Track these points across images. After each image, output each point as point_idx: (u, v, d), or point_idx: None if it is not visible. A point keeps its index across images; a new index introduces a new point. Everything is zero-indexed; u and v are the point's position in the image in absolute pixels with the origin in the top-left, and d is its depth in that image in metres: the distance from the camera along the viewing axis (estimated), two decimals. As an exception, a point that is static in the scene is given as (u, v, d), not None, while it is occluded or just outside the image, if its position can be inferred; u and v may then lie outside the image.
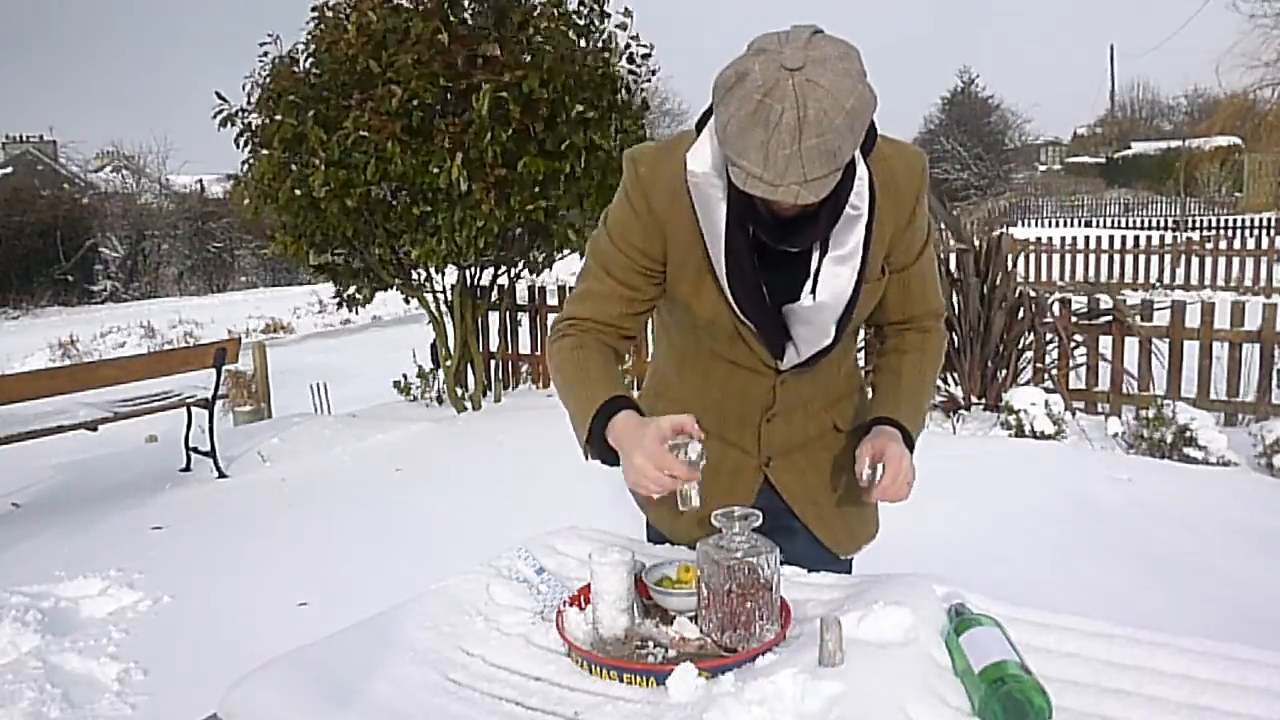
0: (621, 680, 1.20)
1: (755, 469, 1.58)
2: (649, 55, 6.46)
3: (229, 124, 5.99)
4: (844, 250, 1.35)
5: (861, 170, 1.33)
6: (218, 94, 5.98)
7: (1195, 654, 1.18)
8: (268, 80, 5.92)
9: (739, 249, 1.34)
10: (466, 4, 5.99)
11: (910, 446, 1.46)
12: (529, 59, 5.60)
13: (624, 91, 6.23)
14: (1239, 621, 2.97)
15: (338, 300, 6.95)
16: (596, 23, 6.21)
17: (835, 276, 1.36)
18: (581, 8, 6.18)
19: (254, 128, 5.98)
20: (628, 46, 6.34)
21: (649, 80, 6.60)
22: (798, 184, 1.16)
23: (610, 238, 1.45)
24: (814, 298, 1.37)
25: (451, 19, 5.72)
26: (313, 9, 6.00)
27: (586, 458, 1.42)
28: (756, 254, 1.35)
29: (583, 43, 6.10)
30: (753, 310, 1.39)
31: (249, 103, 6.01)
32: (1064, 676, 1.14)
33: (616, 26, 6.28)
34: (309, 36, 5.99)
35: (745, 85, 1.15)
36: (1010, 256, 6.21)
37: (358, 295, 6.82)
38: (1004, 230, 6.84)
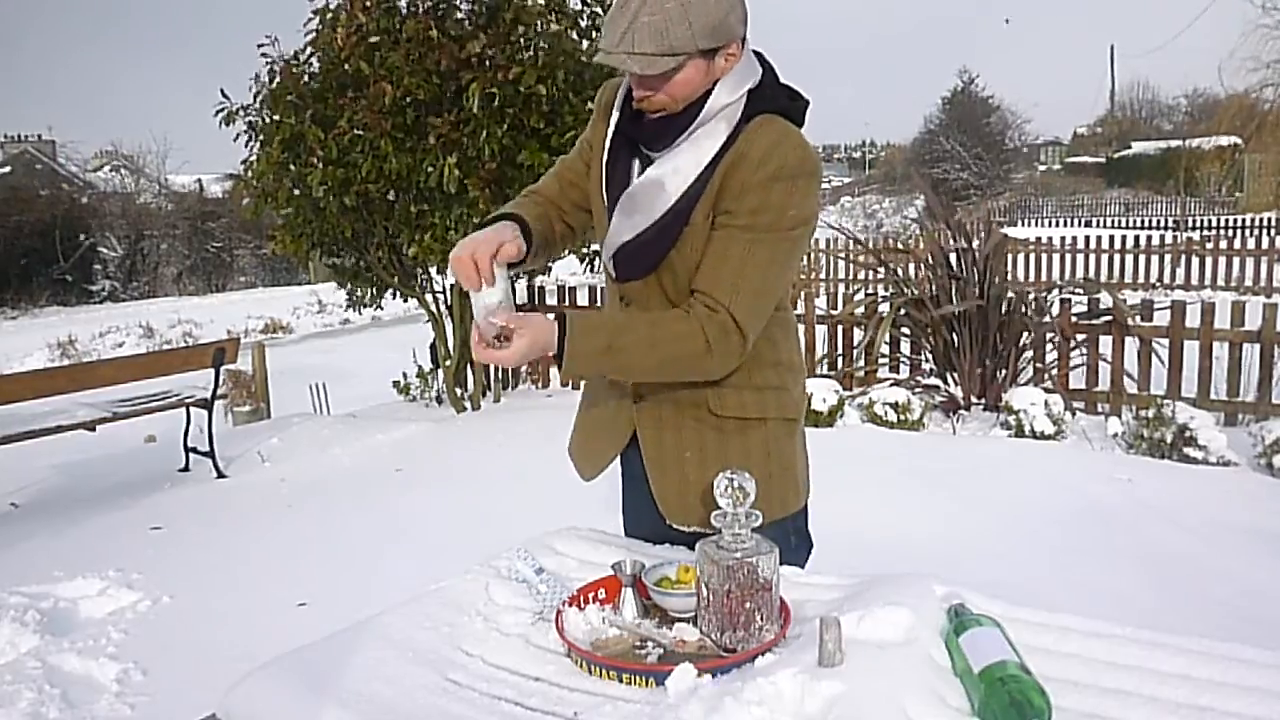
0: (621, 680, 1.21)
1: (629, 408, 1.64)
2: None
3: (230, 121, 5.99)
4: (673, 163, 1.50)
5: (718, 137, 1.48)
6: (222, 91, 5.99)
7: (1195, 654, 1.18)
8: (271, 80, 5.92)
9: (619, 143, 1.57)
10: (460, 3, 5.99)
11: (559, 358, 1.44)
12: (527, 56, 5.59)
13: None
14: (1239, 621, 2.97)
15: (348, 303, 6.94)
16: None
17: (668, 175, 1.50)
18: (585, 8, 6.17)
19: (257, 126, 5.98)
20: None
21: None
22: (626, 53, 1.38)
23: (578, 140, 1.72)
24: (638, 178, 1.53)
25: (446, 19, 5.71)
26: (313, 10, 6.00)
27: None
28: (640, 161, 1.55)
29: (585, 44, 6.10)
30: (610, 183, 1.58)
31: (254, 100, 6.01)
32: (1064, 676, 1.14)
33: None
34: (305, 40, 5.99)
35: None
36: (1009, 256, 6.21)
37: (359, 294, 6.81)
38: (1000, 230, 6.81)
